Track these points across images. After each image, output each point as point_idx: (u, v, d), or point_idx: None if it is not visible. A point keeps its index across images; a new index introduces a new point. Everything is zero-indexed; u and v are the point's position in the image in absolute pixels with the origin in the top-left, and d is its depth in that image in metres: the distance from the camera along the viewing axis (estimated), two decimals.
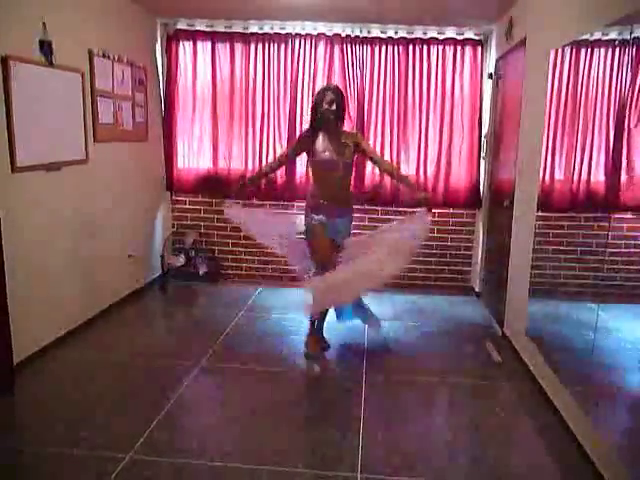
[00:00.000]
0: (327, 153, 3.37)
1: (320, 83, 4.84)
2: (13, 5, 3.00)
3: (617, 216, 2.36)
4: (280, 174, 4.92)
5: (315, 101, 3.41)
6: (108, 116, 4.01)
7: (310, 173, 3.64)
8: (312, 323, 3.66)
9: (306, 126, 3.58)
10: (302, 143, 3.50)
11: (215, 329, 3.96)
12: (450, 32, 4.76)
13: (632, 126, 2.25)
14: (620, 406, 2.33)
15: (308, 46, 4.84)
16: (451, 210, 5.02)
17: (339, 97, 3.39)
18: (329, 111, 3.33)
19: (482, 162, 4.88)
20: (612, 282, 2.42)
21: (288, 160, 3.86)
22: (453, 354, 3.71)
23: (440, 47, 4.79)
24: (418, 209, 3.48)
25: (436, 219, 4.99)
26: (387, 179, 4.83)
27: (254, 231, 3.67)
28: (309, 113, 3.51)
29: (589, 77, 2.66)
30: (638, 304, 2.41)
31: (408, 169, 4.93)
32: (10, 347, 2.94)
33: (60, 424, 2.67)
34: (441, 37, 4.77)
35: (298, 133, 4.92)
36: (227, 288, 5.00)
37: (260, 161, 5.00)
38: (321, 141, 3.40)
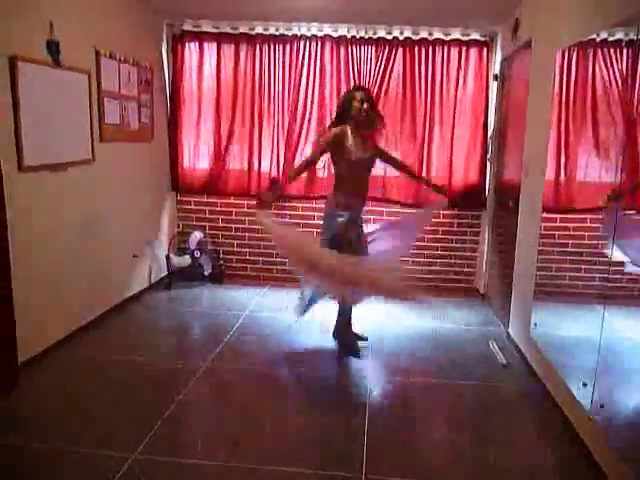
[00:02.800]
0: (360, 153, 3.39)
1: (326, 85, 4.85)
2: (21, 6, 3.02)
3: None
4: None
5: (344, 100, 3.48)
6: (114, 116, 4.03)
7: (339, 171, 3.50)
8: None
9: (314, 127, 3.59)
10: (332, 140, 3.40)
11: (220, 330, 3.96)
12: (455, 33, 4.75)
13: None
14: (625, 407, 2.32)
15: (314, 47, 4.84)
16: (456, 211, 5.01)
17: (371, 99, 3.48)
18: (361, 109, 3.37)
19: (487, 163, 4.87)
20: (618, 284, 2.41)
21: (317, 161, 3.72)
22: (457, 355, 3.70)
23: (445, 48, 4.78)
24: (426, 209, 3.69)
25: (441, 220, 5.00)
26: None
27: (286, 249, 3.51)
28: (336, 111, 3.56)
29: (596, 77, 2.65)
30: None
31: (414, 170, 4.92)
32: (15, 344, 2.96)
33: (64, 423, 2.68)
34: (447, 38, 4.76)
35: (303, 134, 4.95)
36: (232, 289, 5.00)
37: (259, 162, 5.02)
38: (352, 140, 3.38)
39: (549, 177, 3.12)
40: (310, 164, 3.67)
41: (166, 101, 5.04)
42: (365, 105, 3.38)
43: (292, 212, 5.07)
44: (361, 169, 3.46)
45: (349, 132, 3.38)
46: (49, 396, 2.95)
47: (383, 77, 4.83)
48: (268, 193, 3.65)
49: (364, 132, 3.45)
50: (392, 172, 4.69)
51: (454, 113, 4.84)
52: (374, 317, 4.22)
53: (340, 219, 3.40)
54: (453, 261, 5.10)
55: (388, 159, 3.79)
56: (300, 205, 5.06)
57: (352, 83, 4.78)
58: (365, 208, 3.70)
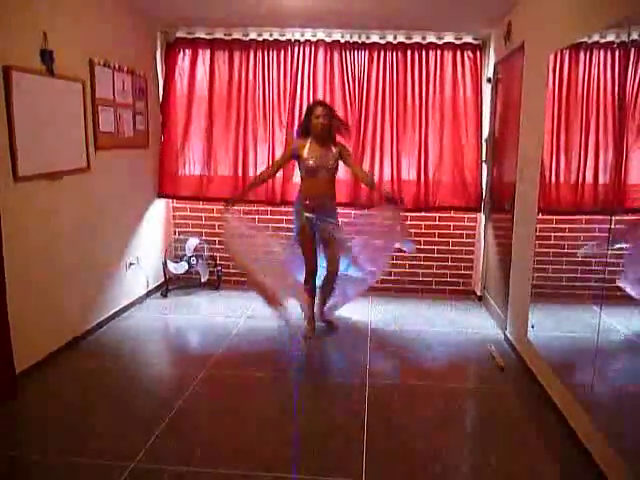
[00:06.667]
0: (312, 160, 3.76)
1: (320, 89, 4.87)
2: (14, 15, 3.02)
3: (618, 218, 2.36)
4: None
5: (306, 113, 3.88)
6: (109, 124, 4.03)
7: (301, 176, 3.95)
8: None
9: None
10: (291, 150, 3.92)
11: (217, 337, 3.96)
12: (449, 37, 4.77)
13: (632, 127, 2.25)
14: (624, 407, 2.32)
15: (307, 52, 4.86)
16: (452, 214, 5.02)
17: (330, 112, 3.82)
18: (318, 123, 3.74)
19: (483, 166, 4.89)
20: (614, 284, 2.42)
21: (282, 166, 4.20)
22: (455, 358, 3.70)
23: (439, 52, 4.81)
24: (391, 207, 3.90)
25: (437, 223, 5.02)
26: None
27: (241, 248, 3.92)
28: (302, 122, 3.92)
29: (588, 80, 2.66)
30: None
31: (409, 174, 4.94)
32: (11, 355, 2.93)
33: (62, 434, 2.67)
34: (440, 42, 4.79)
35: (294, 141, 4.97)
36: (228, 295, 5.00)
37: (256, 168, 5.01)
38: (308, 149, 3.79)
39: (544, 179, 3.14)
40: (278, 165, 4.14)
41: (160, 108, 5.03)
42: (322, 120, 3.74)
43: (288, 217, 5.07)
44: (320, 174, 3.81)
45: (308, 143, 3.81)
46: (46, 406, 2.94)
47: (377, 81, 4.85)
48: (236, 195, 3.98)
49: (323, 142, 3.80)
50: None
51: (449, 116, 4.85)
52: (371, 320, 4.22)
53: (302, 221, 3.83)
54: (450, 263, 5.11)
55: (347, 166, 4.02)
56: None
57: (345, 87, 4.83)
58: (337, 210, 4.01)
